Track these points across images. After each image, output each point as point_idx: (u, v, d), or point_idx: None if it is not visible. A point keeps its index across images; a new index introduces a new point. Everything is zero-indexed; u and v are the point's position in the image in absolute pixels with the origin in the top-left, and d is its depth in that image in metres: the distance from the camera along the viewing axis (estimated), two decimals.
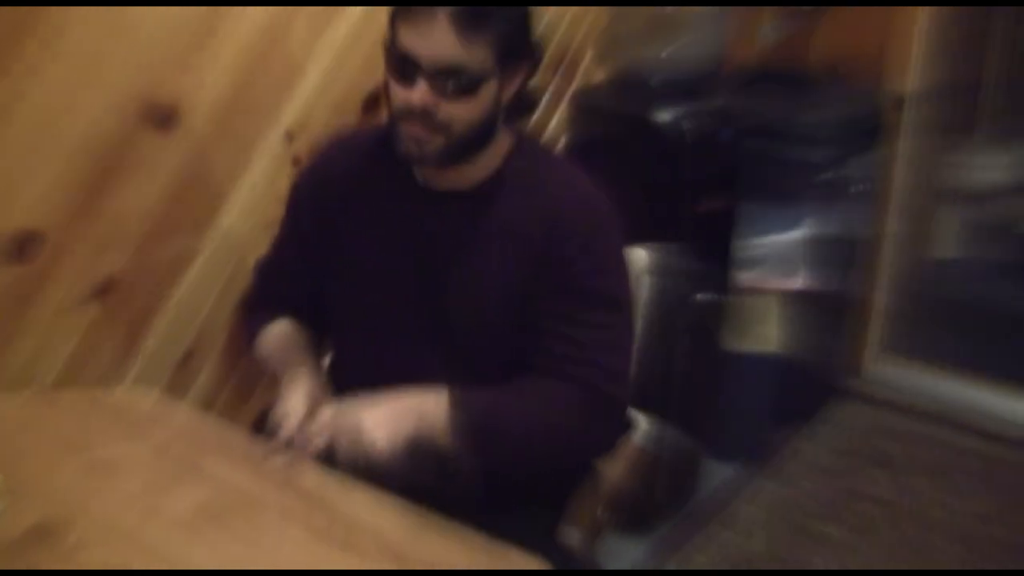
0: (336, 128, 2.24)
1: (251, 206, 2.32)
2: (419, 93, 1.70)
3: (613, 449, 1.90)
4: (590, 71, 3.32)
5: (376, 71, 1.87)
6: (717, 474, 3.39)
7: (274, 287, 2.11)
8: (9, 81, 1.85)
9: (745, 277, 3.25)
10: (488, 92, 1.74)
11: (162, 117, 2.08)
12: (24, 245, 1.92)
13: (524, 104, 1.91)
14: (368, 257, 1.93)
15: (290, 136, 2.36)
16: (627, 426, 1.89)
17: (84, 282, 2.05)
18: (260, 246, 2.16)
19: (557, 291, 1.81)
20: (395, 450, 1.64)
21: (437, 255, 1.88)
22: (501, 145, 1.87)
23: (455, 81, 1.69)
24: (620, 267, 1.89)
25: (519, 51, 1.78)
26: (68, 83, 1.93)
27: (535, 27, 1.81)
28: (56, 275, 1.99)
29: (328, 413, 1.73)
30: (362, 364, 1.96)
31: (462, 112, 1.73)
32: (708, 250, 3.03)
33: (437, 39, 1.66)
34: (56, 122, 1.93)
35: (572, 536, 2.05)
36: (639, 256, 2.19)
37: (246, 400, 2.41)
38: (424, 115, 1.71)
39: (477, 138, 1.79)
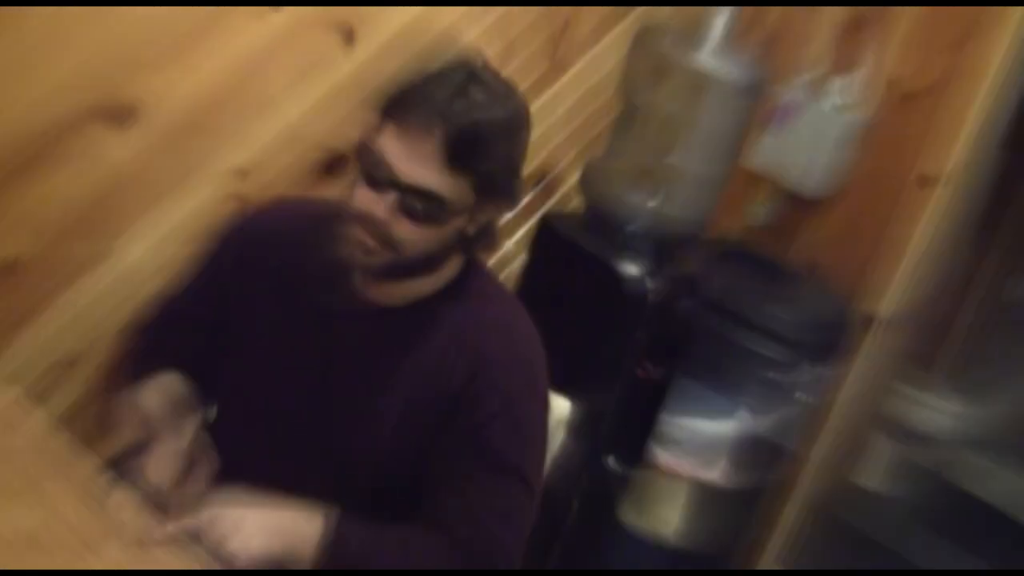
0: (287, 190, 2.21)
1: (179, 228, 2.29)
2: (384, 206, 1.66)
3: None
4: (569, 196, 3.32)
5: (347, 137, 1.82)
6: None
7: (170, 331, 2.03)
8: None
9: (661, 454, 3.23)
10: (454, 224, 1.72)
11: (118, 114, 2.07)
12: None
13: (487, 240, 1.88)
14: (275, 345, 1.89)
15: (242, 173, 2.32)
16: None
17: None
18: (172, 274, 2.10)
19: (464, 443, 1.78)
20: (254, 563, 1.59)
21: (349, 367, 1.84)
22: (448, 269, 1.84)
23: (426, 208, 1.66)
24: (537, 438, 1.87)
25: (500, 191, 1.75)
26: (27, 57, 1.91)
27: (522, 167, 1.79)
28: None
29: (200, 503, 1.66)
30: (244, 447, 1.87)
31: (420, 237, 1.70)
32: (633, 417, 3.01)
33: (423, 160, 1.63)
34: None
35: None
36: (560, 406, 2.16)
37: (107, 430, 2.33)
38: (379, 228, 1.68)
39: (427, 262, 1.77)
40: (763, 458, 3.59)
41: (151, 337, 2.03)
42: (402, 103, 1.65)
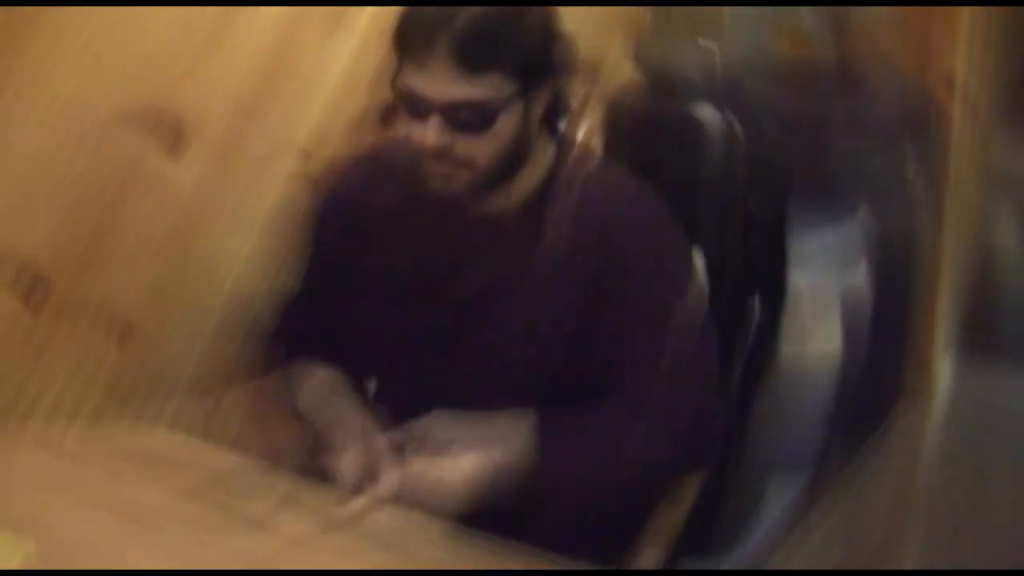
0: (354, 146, 2.20)
1: (267, 231, 2.29)
2: (432, 132, 1.66)
3: (704, 467, 1.94)
4: (623, 72, 3.29)
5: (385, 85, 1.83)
6: (787, 489, 3.34)
7: (304, 326, 2.05)
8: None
9: (800, 276, 3.21)
10: (510, 120, 1.70)
11: (170, 137, 2.06)
12: (31, 291, 1.90)
13: (558, 112, 1.87)
14: (407, 288, 1.90)
15: (307, 155, 2.33)
16: (717, 439, 1.89)
17: (99, 330, 2.02)
18: (278, 273, 2.14)
19: (622, 310, 1.79)
20: (474, 496, 1.63)
21: (484, 281, 1.85)
22: (541, 158, 1.84)
23: (468, 117, 1.66)
24: (686, 275, 1.88)
25: (542, 69, 1.74)
26: (65, 103, 1.90)
27: (558, 37, 1.77)
28: (67, 322, 1.97)
29: (396, 461, 1.70)
30: (411, 404, 1.87)
31: (483, 147, 1.70)
32: (761, 249, 2.99)
33: (440, 77, 1.63)
34: (56, 153, 1.91)
35: (647, 558, 2.01)
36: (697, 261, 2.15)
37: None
38: (442, 154, 1.68)
39: (507, 166, 1.76)
40: (898, 248, 3.56)
41: (290, 341, 2.05)
42: (407, 33, 1.67)
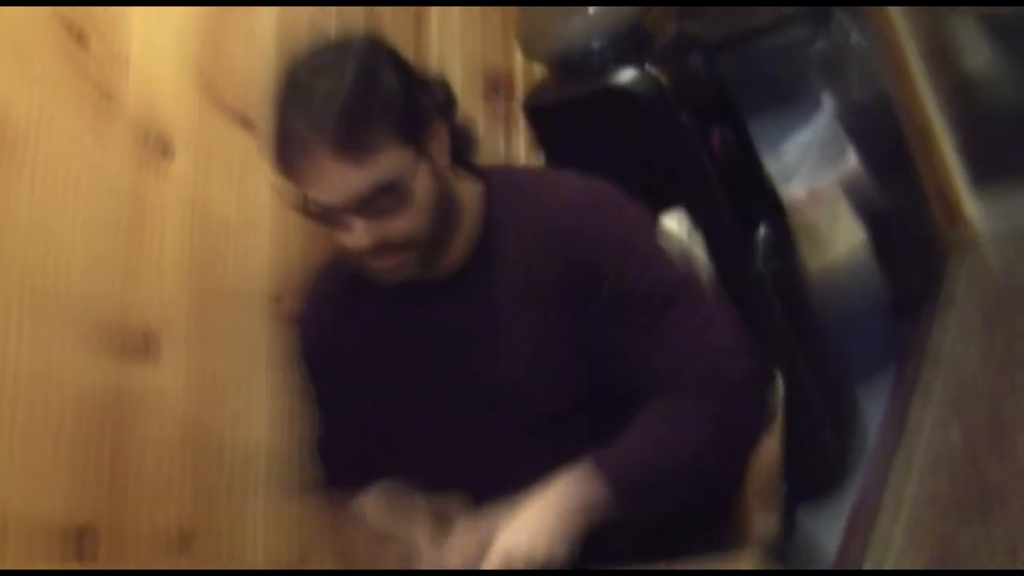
0: (311, 268, 2.19)
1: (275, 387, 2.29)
2: (358, 235, 1.65)
3: (769, 423, 1.87)
4: (528, 75, 3.29)
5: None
6: (869, 394, 3.31)
7: (343, 462, 2.05)
8: None
9: (792, 189, 3.19)
10: (424, 183, 1.69)
11: (139, 344, 2.05)
12: (81, 546, 1.88)
13: (466, 146, 1.86)
14: (406, 379, 1.90)
15: (277, 298, 2.33)
16: (768, 393, 1.86)
17: (159, 551, 2.02)
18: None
19: (614, 309, 1.76)
20: (563, 549, 1.61)
21: (471, 337, 1.84)
22: (471, 199, 1.83)
23: (384, 202, 1.64)
24: (660, 248, 1.85)
25: (423, 118, 1.71)
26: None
27: (422, 78, 1.76)
28: (130, 556, 1.96)
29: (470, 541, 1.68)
30: (460, 483, 1.87)
31: (413, 221, 1.68)
32: (741, 182, 2.97)
33: (338, 181, 1.62)
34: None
35: (767, 523, 1.99)
36: (675, 223, 2.14)
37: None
38: (379, 248, 1.67)
39: (444, 224, 1.75)
40: (876, 113, 3.54)
41: (338, 482, 2.06)
42: (284, 158, 1.66)
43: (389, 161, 1.63)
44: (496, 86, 3.21)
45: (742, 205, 2.87)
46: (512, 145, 3.21)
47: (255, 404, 2.29)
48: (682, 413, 1.73)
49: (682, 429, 1.72)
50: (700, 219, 2.24)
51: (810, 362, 2.93)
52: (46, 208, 1.88)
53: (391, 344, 1.90)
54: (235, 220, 2.31)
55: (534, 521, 1.63)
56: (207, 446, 2.17)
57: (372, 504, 1.93)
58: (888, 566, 2.63)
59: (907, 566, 2.62)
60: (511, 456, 1.83)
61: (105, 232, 2.00)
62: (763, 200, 3.05)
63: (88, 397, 1.93)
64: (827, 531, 2.86)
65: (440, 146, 1.74)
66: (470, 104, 3.00)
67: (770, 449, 1.94)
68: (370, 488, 1.95)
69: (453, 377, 1.86)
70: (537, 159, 3.20)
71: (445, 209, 1.74)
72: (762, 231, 2.93)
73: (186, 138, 2.17)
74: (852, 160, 3.31)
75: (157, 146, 2.11)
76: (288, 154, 1.64)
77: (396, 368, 1.91)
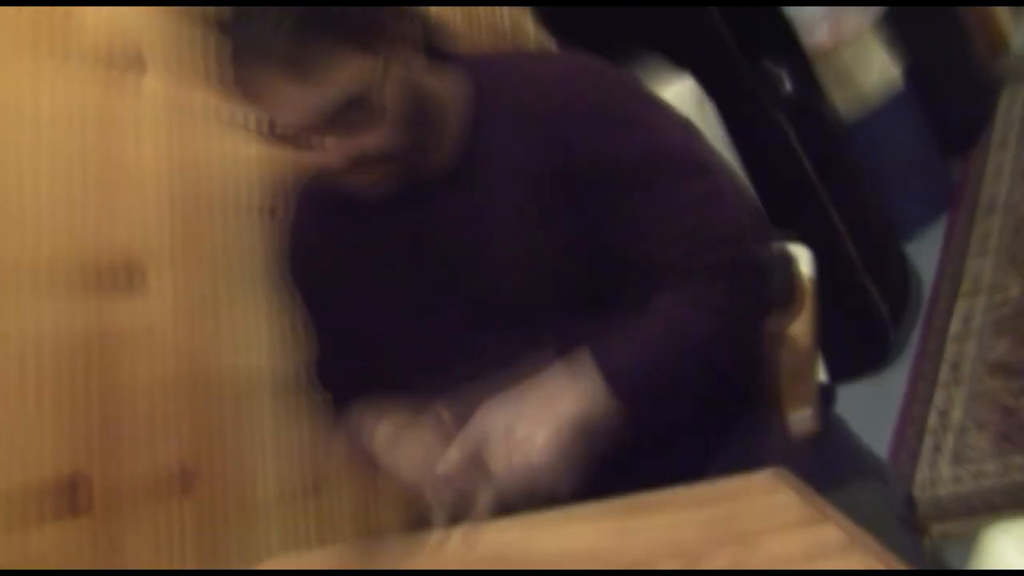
0: (293, 181, 2.12)
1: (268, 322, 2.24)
2: (330, 153, 1.58)
3: (785, 305, 1.78)
4: None
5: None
6: (920, 250, 3.21)
7: (343, 382, 1.99)
8: None
9: (818, 31, 3.07)
10: (394, 89, 1.59)
11: (123, 278, 1.99)
12: (74, 498, 1.84)
13: (434, 41, 1.75)
14: (398, 287, 1.83)
15: (271, 211, 2.25)
16: (785, 273, 1.79)
17: (160, 492, 1.98)
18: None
19: (613, 192, 1.68)
20: (571, 459, 1.53)
21: (464, 240, 1.76)
22: (452, 94, 1.74)
23: (353, 117, 1.55)
24: (661, 120, 1.76)
25: (386, 19, 1.61)
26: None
27: None
28: (127, 505, 1.91)
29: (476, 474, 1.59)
30: (455, 388, 1.79)
31: (388, 131, 1.60)
32: (757, 33, 2.86)
33: (299, 101, 1.53)
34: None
35: (802, 421, 1.92)
36: (684, 88, 2.05)
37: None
38: (356, 163, 1.59)
39: (424, 127, 1.66)
40: None
41: (345, 398, 1.96)
42: (241, 81, 1.56)
43: (349, 74, 1.53)
44: None
45: (758, 54, 2.76)
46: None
47: (254, 327, 2.26)
48: (686, 306, 1.65)
49: (686, 323, 1.64)
50: (711, 77, 2.14)
51: (847, 220, 2.83)
52: (4, 143, 1.81)
53: (380, 253, 1.84)
54: (217, 131, 2.23)
55: (541, 443, 1.54)
56: (205, 377, 2.13)
57: (377, 428, 1.86)
58: (947, 448, 2.55)
59: (969, 447, 2.54)
60: (508, 364, 1.71)
61: (74, 160, 1.94)
62: (785, 49, 2.94)
63: (69, 340, 1.88)
64: (881, 412, 2.77)
65: (408, 49, 1.65)
66: None
67: (799, 338, 1.86)
68: (372, 410, 1.89)
69: (446, 282, 1.79)
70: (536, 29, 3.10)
71: (423, 114, 1.65)
72: (783, 80, 2.82)
73: (158, 48, 2.10)
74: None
75: (125, 60, 2.05)
76: (242, 77, 1.55)
77: (387, 277, 1.85)
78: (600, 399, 1.58)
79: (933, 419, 2.68)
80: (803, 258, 1.94)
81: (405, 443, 1.77)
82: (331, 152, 1.58)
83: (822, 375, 1.95)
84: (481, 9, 2.96)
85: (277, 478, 2.21)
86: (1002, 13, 3.67)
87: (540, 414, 1.57)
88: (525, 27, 3.08)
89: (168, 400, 2.03)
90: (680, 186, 1.68)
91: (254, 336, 2.24)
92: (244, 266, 2.25)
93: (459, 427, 1.65)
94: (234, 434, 2.16)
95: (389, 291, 1.85)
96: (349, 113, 1.55)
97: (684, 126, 1.80)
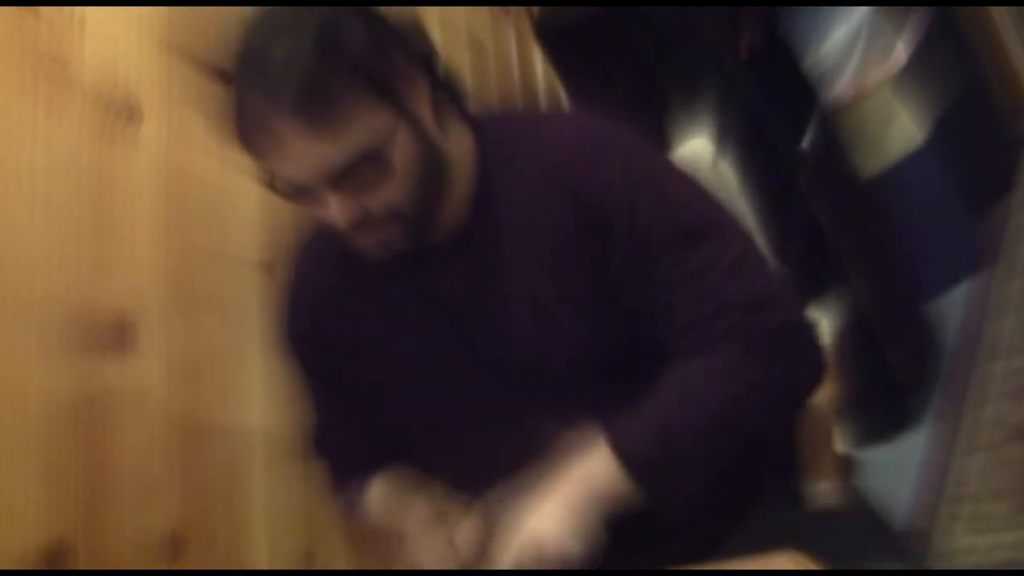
0: (296, 239, 2.09)
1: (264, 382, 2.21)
2: (337, 211, 1.53)
3: (820, 379, 1.71)
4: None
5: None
6: (945, 314, 3.16)
7: (344, 451, 1.96)
8: None
9: (839, 88, 3.05)
10: (406, 144, 1.56)
11: (113, 336, 1.95)
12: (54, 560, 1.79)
13: (452, 95, 1.73)
14: (406, 355, 1.79)
15: (268, 268, 2.25)
16: (815, 342, 1.71)
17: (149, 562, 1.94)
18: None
19: (633, 257, 1.64)
20: (588, 543, 1.49)
21: (475, 305, 1.73)
22: (462, 152, 1.71)
23: (363, 173, 1.52)
24: (679, 182, 1.74)
25: (400, 72, 1.58)
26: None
27: (396, 29, 1.62)
28: None
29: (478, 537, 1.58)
30: (472, 463, 1.78)
31: (397, 189, 1.56)
32: (777, 87, 2.84)
33: (308, 154, 1.49)
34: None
35: (823, 495, 1.88)
36: (699, 146, 2.03)
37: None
38: (362, 222, 1.56)
39: (433, 187, 1.63)
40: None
41: (342, 471, 1.98)
42: (246, 130, 1.52)
43: (363, 128, 1.50)
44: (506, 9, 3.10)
45: (779, 112, 2.73)
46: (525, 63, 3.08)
47: (248, 387, 2.23)
48: (709, 375, 1.60)
49: (709, 394, 1.59)
50: (729, 137, 2.11)
51: (871, 282, 2.80)
52: None
53: (388, 319, 1.80)
54: (217, 184, 2.22)
55: (550, 517, 1.51)
56: (197, 440, 2.09)
57: (377, 495, 1.85)
58: (964, 518, 2.51)
59: (985, 517, 2.50)
60: (523, 430, 1.71)
61: (68, 214, 1.91)
62: (803, 105, 2.91)
63: (58, 400, 1.84)
64: (899, 481, 2.73)
65: (421, 102, 1.62)
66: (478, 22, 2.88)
67: (820, 408, 1.83)
68: (375, 477, 1.88)
69: (458, 349, 1.76)
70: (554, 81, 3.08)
71: (432, 172, 1.62)
72: (805, 139, 2.80)
73: (155, 99, 2.09)
74: (902, 56, 3.16)
75: (122, 111, 2.03)
76: (248, 129, 1.52)
77: (395, 344, 1.81)
78: (614, 480, 1.53)
79: (951, 488, 2.63)
80: (823, 323, 1.90)
81: (410, 518, 1.73)
82: (337, 210, 1.54)
83: (840, 443, 1.91)
84: (489, 44, 2.96)
85: (270, 545, 2.17)
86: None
87: (551, 501, 1.52)
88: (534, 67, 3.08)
89: (158, 464, 2.00)
90: (696, 246, 1.64)
91: (248, 397, 2.21)
92: (239, 324, 2.23)
93: (463, 503, 1.64)
94: (225, 499, 2.12)
95: (397, 357, 1.81)
96: (360, 169, 1.51)
97: (699, 186, 1.76)
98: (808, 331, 1.69)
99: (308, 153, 1.48)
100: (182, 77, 2.13)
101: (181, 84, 2.13)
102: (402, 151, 1.55)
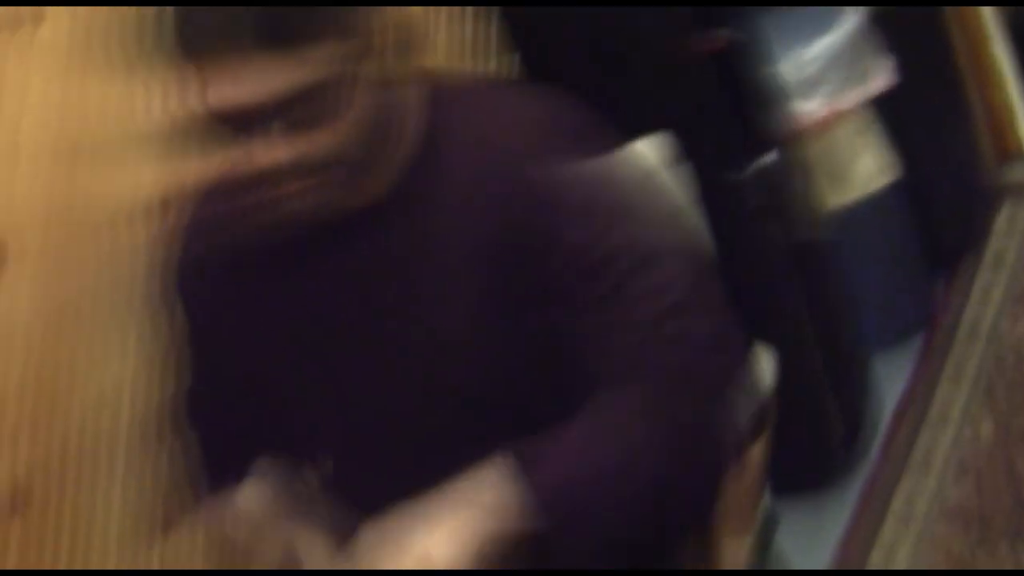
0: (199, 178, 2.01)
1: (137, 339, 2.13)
2: (273, 148, 1.46)
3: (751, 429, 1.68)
4: None
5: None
6: (888, 371, 3.14)
7: (215, 423, 1.89)
8: None
9: (810, 106, 3.00)
10: (360, 87, 1.50)
11: None
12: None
13: (408, 45, 1.64)
14: (300, 330, 1.73)
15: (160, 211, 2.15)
16: (753, 392, 1.67)
17: None
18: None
19: (567, 274, 1.57)
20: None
21: (385, 291, 1.66)
22: (410, 107, 1.64)
23: (311, 109, 1.45)
24: (634, 196, 1.68)
25: (369, 17, 1.52)
26: None
27: None
28: None
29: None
30: (361, 459, 1.74)
31: (343, 134, 1.50)
32: (735, 99, 2.79)
33: (255, 75, 1.42)
34: None
35: (738, 552, 1.86)
36: (644, 151, 1.97)
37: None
38: (297, 167, 1.48)
39: (378, 139, 1.56)
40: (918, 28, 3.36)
41: (213, 453, 1.92)
42: (185, 36, 1.44)
43: (322, 56, 1.44)
44: None
45: (740, 128, 2.69)
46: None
47: (119, 346, 2.13)
48: (634, 414, 1.51)
49: (632, 434, 1.51)
50: (686, 147, 2.05)
51: (816, 328, 2.78)
52: None
53: (286, 285, 1.72)
54: (115, 107, 2.12)
55: (440, 539, 1.43)
56: (54, 389, 2.01)
57: (253, 492, 1.78)
58: None
59: None
60: (421, 444, 1.68)
61: None
62: (768, 123, 2.87)
63: None
64: (821, 539, 2.70)
65: (381, 49, 1.55)
66: None
67: (751, 459, 1.77)
68: (250, 468, 1.81)
69: (359, 336, 1.70)
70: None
71: (378, 125, 1.56)
72: (763, 162, 2.75)
73: None
74: (883, 80, 3.13)
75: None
76: (193, 39, 1.43)
77: (289, 315, 1.74)
78: (518, 515, 1.45)
79: (876, 556, 2.61)
80: (766, 365, 1.84)
81: (288, 526, 1.71)
82: (275, 147, 1.46)
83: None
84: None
85: (121, 515, 2.10)
86: (1020, 111, 3.63)
87: (441, 530, 1.44)
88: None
89: (10, 408, 1.93)
90: (646, 270, 1.56)
91: (117, 356, 2.13)
92: (120, 279, 2.13)
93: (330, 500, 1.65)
94: (78, 459, 2.05)
95: (290, 331, 1.74)
96: (310, 102, 1.44)
97: (659, 197, 1.77)
98: (748, 377, 1.65)
99: (261, 73, 1.42)
100: None
101: None
102: (357, 93, 1.50)
